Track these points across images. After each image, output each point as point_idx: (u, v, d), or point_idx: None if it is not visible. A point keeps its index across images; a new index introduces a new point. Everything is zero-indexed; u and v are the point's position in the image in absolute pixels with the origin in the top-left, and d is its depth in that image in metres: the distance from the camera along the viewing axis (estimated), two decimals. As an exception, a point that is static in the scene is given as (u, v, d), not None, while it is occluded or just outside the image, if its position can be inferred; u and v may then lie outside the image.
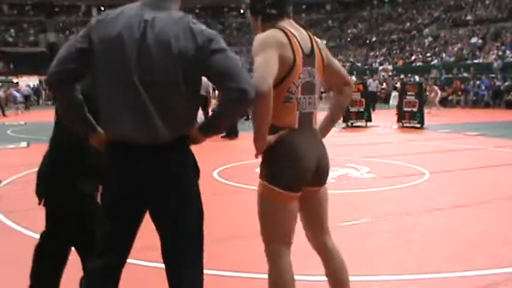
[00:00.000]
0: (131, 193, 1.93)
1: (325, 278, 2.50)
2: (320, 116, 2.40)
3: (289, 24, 2.26)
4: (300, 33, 2.27)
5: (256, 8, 2.31)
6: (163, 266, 2.08)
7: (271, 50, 2.11)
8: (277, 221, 2.26)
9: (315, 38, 2.35)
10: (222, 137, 11.92)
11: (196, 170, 2.04)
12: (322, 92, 26.31)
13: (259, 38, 2.17)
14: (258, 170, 2.34)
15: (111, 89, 1.88)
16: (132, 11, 1.91)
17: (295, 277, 2.31)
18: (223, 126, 2.09)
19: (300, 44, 2.21)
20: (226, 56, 1.86)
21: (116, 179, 1.94)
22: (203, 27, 1.91)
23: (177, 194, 1.95)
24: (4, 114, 23.68)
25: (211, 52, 1.85)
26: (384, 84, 30.57)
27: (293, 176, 2.20)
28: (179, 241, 1.99)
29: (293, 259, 2.33)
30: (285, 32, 2.19)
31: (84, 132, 2.06)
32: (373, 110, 19.99)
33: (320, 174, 2.33)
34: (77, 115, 2.01)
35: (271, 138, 2.17)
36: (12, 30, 50.22)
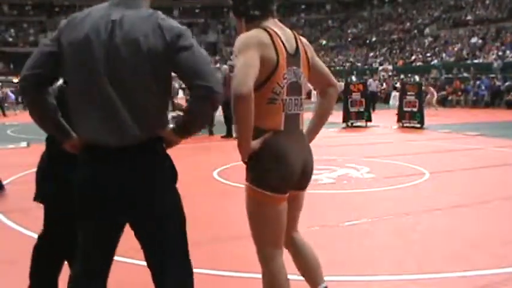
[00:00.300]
0: (106, 195, 1.88)
1: None
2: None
3: (273, 24, 2.23)
4: (285, 33, 2.23)
5: (239, 10, 2.28)
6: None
7: (252, 50, 2.06)
8: (267, 224, 2.24)
9: (300, 37, 2.32)
10: (222, 137, 11.92)
11: (172, 172, 2.00)
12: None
13: (241, 38, 2.13)
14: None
15: (81, 91, 1.86)
16: (99, 12, 1.88)
17: (289, 276, 2.30)
18: (196, 125, 1.99)
19: (284, 44, 2.17)
20: (193, 52, 1.82)
21: (90, 182, 1.90)
22: (173, 23, 1.88)
23: (153, 195, 1.91)
24: (4, 114, 23.69)
25: (179, 49, 1.82)
26: (384, 84, 30.58)
27: (280, 178, 2.18)
28: (167, 243, 1.96)
29: (286, 259, 2.33)
30: (268, 32, 2.15)
31: (58, 138, 2.03)
32: (373, 110, 20.02)
33: (304, 177, 2.31)
34: (49, 120, 1.97)
35: (255, 143, 2.14)
36: (12, 30, 50.33)
